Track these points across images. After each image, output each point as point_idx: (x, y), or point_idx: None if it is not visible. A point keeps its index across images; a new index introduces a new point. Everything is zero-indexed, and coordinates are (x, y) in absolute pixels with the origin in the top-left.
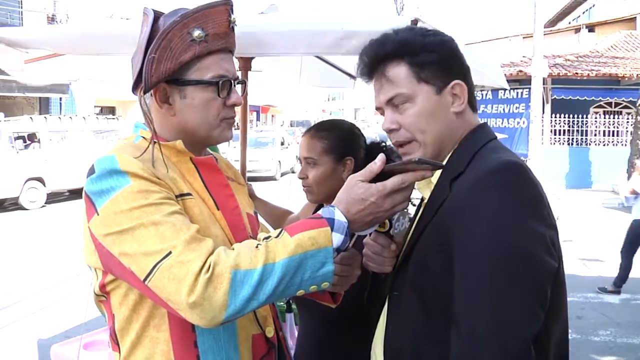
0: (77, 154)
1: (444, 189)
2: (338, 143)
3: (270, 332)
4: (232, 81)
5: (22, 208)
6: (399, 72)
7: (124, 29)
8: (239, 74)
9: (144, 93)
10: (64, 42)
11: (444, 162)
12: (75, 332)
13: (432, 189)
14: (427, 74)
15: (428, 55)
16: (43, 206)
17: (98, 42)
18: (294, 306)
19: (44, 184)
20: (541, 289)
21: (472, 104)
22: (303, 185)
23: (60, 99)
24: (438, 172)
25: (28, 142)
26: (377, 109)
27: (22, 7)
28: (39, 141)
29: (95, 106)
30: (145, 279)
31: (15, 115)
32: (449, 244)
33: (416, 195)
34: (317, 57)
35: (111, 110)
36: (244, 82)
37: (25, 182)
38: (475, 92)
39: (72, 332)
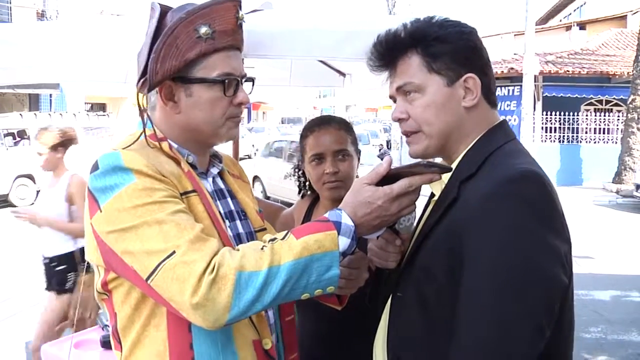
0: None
1: (452, 189)
2: (356, 136)
3: (267, 343)
4: (239, 79)
5: (12, 205)
6: (411, 61)
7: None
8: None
9: (148, 91)
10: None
11: (457, 161)
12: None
13: (443, 188)
14: (440, 65)
15: (442, 46)
16: (32, 203)
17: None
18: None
19: (34, 181)
20: (551, 305)
21: (491, 99)
22: (331, 181)
23: (51, 95)
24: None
25: (18, 139)
26: (390, 97)
27: (10, 3)
28: (28, 138)
29: (85, 103)
30: (148, 278)
31: (4, 112)
32: (457, 253)
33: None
34: None
35: (102, 107)
36: (252, 80)
37: (15, 179)
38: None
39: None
